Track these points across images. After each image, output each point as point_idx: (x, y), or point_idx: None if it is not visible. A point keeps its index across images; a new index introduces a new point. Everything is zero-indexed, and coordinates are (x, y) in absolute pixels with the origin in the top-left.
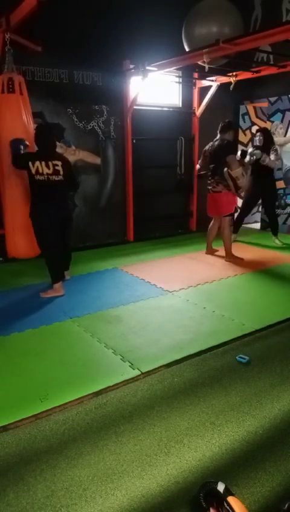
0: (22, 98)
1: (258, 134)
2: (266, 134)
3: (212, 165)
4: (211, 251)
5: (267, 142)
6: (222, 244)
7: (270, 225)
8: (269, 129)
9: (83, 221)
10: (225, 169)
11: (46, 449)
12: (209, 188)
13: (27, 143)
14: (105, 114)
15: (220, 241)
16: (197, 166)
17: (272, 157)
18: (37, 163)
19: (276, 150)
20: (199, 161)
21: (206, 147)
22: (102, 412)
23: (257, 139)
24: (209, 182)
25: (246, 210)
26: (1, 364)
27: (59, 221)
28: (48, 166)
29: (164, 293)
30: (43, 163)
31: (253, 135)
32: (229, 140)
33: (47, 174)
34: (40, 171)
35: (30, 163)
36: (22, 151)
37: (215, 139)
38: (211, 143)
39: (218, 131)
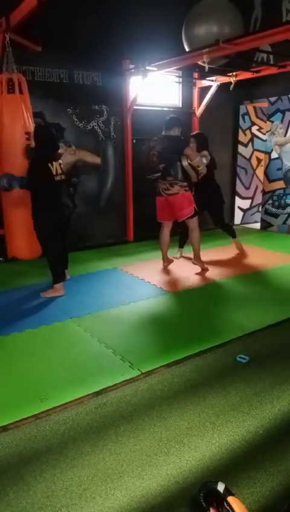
0: (22, 98)
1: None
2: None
3: (162, 165)
4: (168, 261)
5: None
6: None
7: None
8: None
9: (83, 221)
10: (185, 163)
11: (46, 449)
12: (161, 191)
13: (14, 175)
14: (105, 114)
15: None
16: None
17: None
18: (55, 163)
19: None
20: (146, 166)
21: (152, 148)
22: (102, 412)
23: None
24: (159, 184)
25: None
26: (1, 364)
27: (60, 221)
28: (56, 167)
29: (164, 293)
30: (54, 163)
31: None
32: (179, 135)
33: (60, 174)
34: (56, 171)
35: (50, 165)
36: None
37: (156, 138)
38: (154, 143)
39: (164, 129)
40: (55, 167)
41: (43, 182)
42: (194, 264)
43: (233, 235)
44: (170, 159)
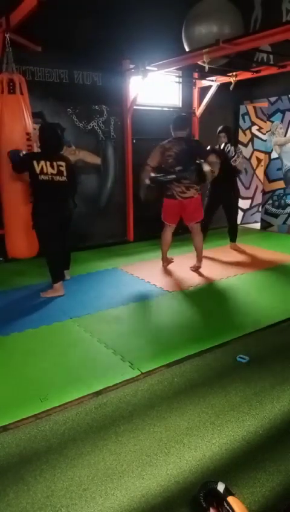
0: (22, 98)
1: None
2: (229, 133)
3: (178, 168)
4: (168, 261)
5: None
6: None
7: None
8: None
9: (83, 221)
10: (207, 168)
11: (46, 449)
12: (175, 194)
13: (24, 151)
14: (105, 114)
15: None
16: (152, 174)
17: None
18: (42, 162)
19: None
20: (150, 169)
21: (168, 149)
22: (102, 412)
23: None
24: (173, 186)
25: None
26: (1, 364)
27: (60, 221)
28: (52, 167)
29: (164, 293)
30: (47, 163)
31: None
32: (195, 139)
33: (51, 174)
34: (45, 170)
35: (35, 162)
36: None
37: (171, 139)
38: (169, 144)
39: (174, 129)
40: (42, 166)
41: (31, 178)
42: (195, 267)
43: (234, 239)
44: (189, 162)
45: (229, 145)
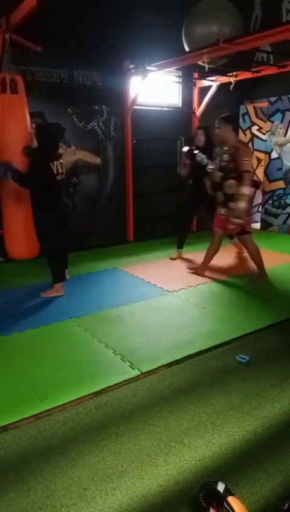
0: (21, 98)
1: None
2: (208, 133)
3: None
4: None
5: (210, 143)
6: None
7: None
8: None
9: (83, 221)
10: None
11: (46, 449)
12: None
13: (14, 165)
14: (105, 114)
15: None
16: (208, 182)
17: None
18: (56, 163)
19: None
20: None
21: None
22: (102, 412)
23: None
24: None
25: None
26: (1, 364)
27: (60, 219)
28: (60, 166)
29: (164, 293)
30: (55, 162)
31: (195, 134)
32: None
33: (60, 173)
34: (58, 171)
35: (51, 164)
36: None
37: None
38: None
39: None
40: (56, 166)
41: (45, 181)
42: (194, 270)
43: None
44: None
45: (200, 153)
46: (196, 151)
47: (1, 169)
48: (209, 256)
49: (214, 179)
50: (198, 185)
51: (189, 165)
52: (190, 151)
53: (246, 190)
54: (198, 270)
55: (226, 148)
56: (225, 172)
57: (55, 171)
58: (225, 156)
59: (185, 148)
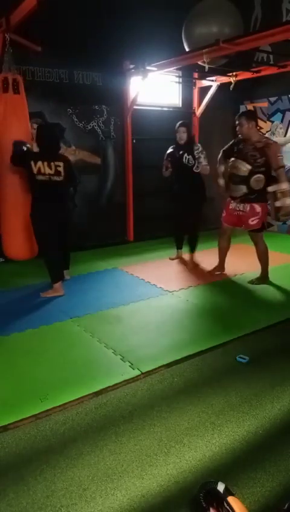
0: (21, 98)
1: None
2: (190, 130)
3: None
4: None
5: (191, 140)
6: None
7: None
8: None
9: (83, 221)
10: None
11: (46, 449)
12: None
13: (29, 145)
14: (105, 114)
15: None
16: (221, 181)
17: (204, 161)
18: (39, 163)
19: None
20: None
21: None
22: (102, 412)
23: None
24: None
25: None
26: (1, 364)
27: (58, 221)
28: (50, 167)
29: (164, 293)
30: (45, 163)
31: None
32: None
33: (49, 174)
34: (42, 171)
35: (32, 163)
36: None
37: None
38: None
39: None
40: (40, 166)
41: (27, 177)
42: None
43: (192, 250)
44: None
45: (186, 154)
46: (185, 155)
47: (19, 146)
48: (222, 254)
49: (239, 172)
50: (182, 185)
51: (171, 166)
52: (171, 154)
53: (286, 185)
54: (216, 269)
55: (250, 144)
56: (253, 168)
57: (35, 171)
58: (251, 152)
59: (170, 150)
